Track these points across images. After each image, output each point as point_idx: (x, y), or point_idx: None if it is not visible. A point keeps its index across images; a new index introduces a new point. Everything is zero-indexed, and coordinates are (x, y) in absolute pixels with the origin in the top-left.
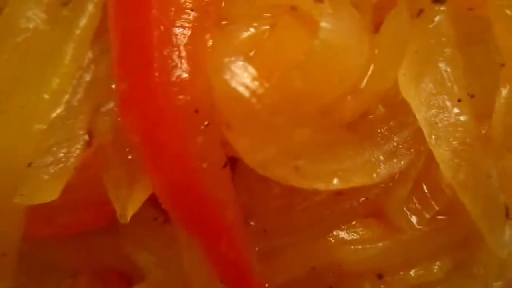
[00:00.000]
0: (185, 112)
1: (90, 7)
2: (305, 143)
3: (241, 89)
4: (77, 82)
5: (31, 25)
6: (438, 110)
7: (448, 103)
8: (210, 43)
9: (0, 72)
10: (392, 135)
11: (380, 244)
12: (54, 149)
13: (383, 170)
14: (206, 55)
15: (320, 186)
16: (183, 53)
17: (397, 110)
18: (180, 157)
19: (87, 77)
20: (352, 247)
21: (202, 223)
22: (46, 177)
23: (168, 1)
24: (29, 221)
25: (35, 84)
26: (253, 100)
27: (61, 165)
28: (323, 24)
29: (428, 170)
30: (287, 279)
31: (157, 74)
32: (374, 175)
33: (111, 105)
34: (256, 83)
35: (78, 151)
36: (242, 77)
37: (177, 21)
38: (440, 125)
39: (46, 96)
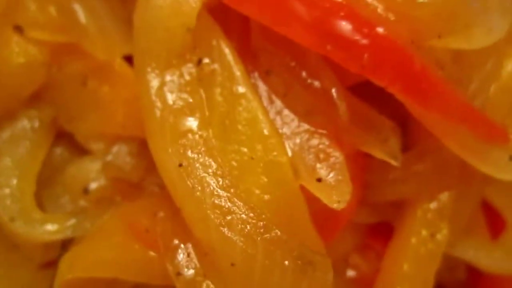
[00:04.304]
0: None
1: (226, 50)
2: None
3: None
4: (270, 106)
5: (183, 96)
6: None
7: None
8: None
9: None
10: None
11: None
12: (322, 155)
13: (499, 27)
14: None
15: None
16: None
17: None
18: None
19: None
20: None
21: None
22: (340, 177)
23: None
24: None
25: (247, 128)
26: None
27: (339, 160)
28: None
29: None
30: None
31: (383, 31)
32: (497, 32)
33: None
34: None
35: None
36: None
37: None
38: None
39: (266, 132)
